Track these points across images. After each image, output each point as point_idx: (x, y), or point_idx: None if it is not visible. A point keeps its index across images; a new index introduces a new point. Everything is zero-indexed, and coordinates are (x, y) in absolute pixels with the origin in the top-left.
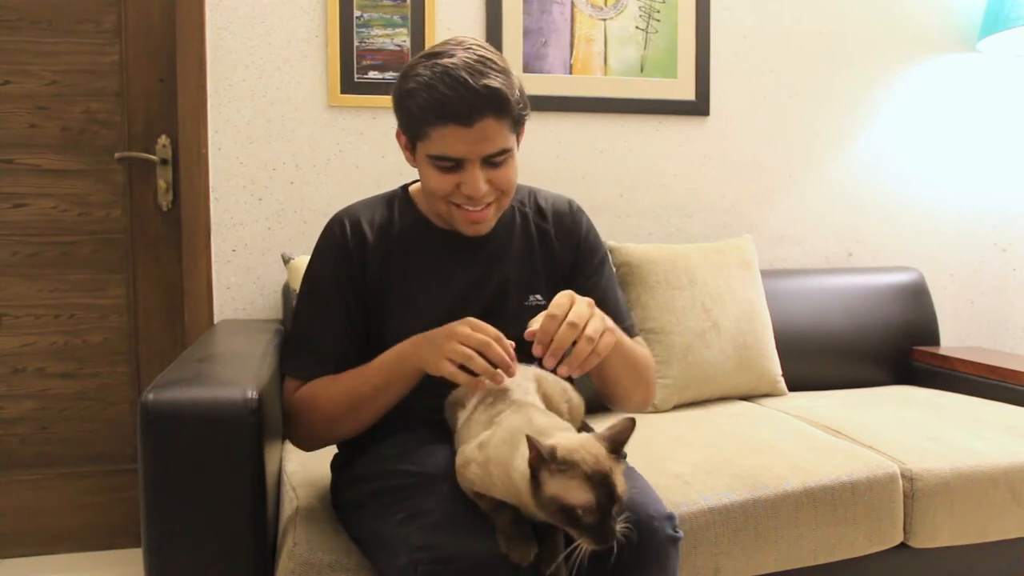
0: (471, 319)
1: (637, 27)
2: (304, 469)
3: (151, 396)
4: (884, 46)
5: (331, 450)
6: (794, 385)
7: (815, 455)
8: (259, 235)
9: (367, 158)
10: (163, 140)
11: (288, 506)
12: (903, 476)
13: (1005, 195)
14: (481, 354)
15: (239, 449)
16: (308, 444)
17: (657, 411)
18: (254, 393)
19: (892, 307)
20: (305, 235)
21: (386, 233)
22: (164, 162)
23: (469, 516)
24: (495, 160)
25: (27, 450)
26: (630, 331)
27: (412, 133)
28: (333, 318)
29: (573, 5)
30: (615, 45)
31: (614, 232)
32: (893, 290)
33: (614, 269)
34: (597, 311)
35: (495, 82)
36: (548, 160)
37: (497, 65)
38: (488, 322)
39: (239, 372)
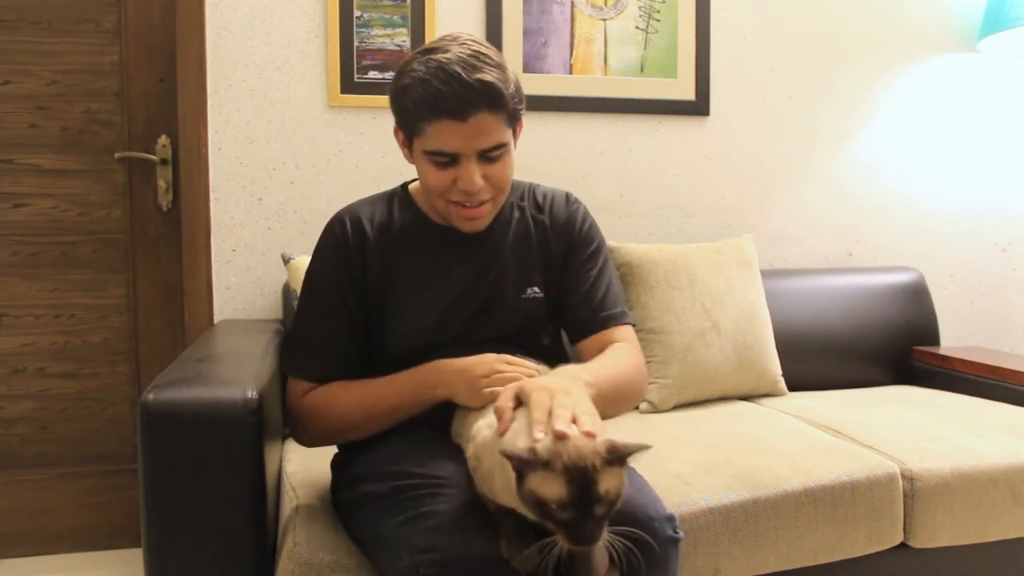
0: (506, 356)
1: (637, 27)
2: (304, 469)
3: (151, 396)
4: (884, 46)
5: (331, 450)
6: (794, 385)
7: (815, 455)
8: (259, 235)
9: (367, 158)
10: (163, 140)
11: (288, 506)
12: (903, 476)
13: (1005, 195)
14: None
15: (239, 449)
16: (313, 445)
17: (657, 411)
18: (254, 393)
19: (892, 307)
20: (305, 235)
21: (386, 231)
22: (164, 162)
23: (471, 518)
24: (491, 155)
25: (27, 450)
26: (622, 317)
27: (408, 129)
28: (334, 317)
29: (573, 5)
30: (615, 45)
31: (614, 232)
32: (893, 290)
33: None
34: (574, 390)
35: (489, 76)
36: (548, 160)
37: (491, 60)
38: (487, 316)
39: (239, 372)
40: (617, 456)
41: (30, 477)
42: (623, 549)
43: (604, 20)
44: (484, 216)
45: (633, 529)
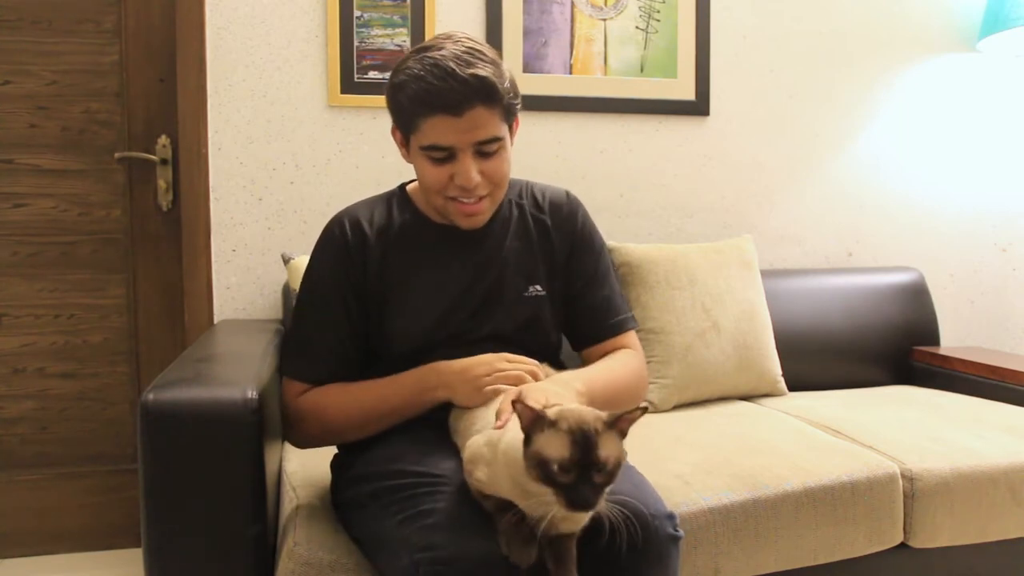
0: (504, 354)
1: (637, 27)
2: (304, 469)
3: (151, 396)
4: (884, 46)
5: (331, 450)
6: (794, 385)
7: (815, 455)
8: (259, 235)
9: (367, 158)
10: (163, 140)
11: (288, 506)
12: (903, 476)
13: (1005, 195)
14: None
15: (239, 449)
16: (306, 446)
17: (657, 411)
18: (254, 393)
19: (892, 307)
20: (305, 235)
21: (386, 232)
22: (164, 162)
23: (470, 516)
24: (487, 150)
25: (27, 450)
26: (625, 324)
27: (405, 127)
28: (333, 319)
29: (573, 5)
30: (615, 45)
31: (614, 232)
32: (893, 290)
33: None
34: (566, 396)
35: (483, 71)
36: (548, 160)
37: (486, 56)
38: (487, 315)
39: (239, 372)
40: (616, 420)
41: (30, 477)
42: (622, 518)
43: (604, 20)
44: (483, 212)
45: (633, 500)
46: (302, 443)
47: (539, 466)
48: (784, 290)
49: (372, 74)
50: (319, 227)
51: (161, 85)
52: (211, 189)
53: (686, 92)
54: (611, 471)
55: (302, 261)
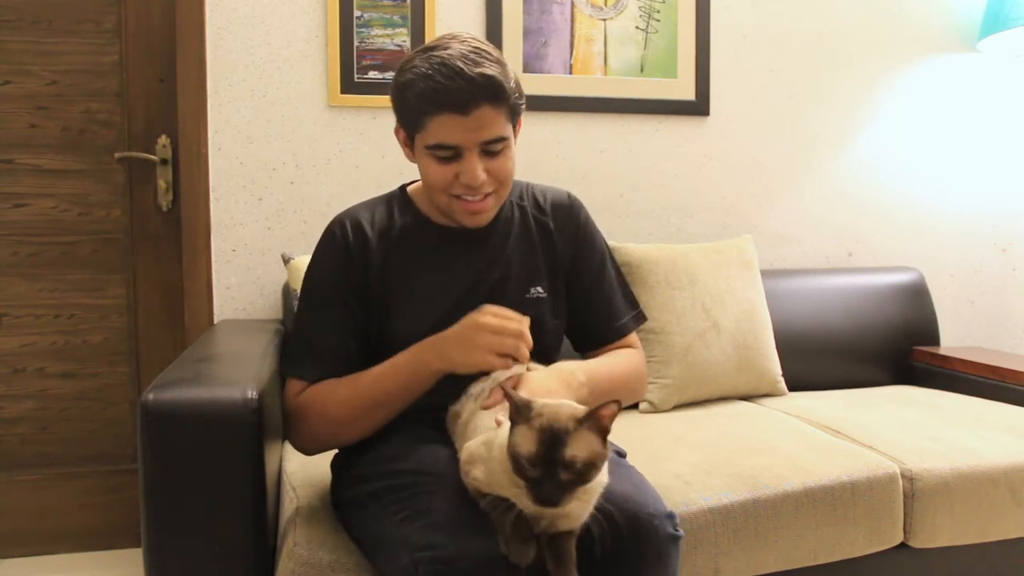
0: (488, 307)
1: (637, 27)
2: (304, 469)
3: (151, 396)
4: (884, 46)
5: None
6: (794, 385)
7: (815, 455)
8: (259, 235)
9: (367, 158)
10: (163, 140)
11: (288, 506)
12: (903, 476)
13: (1005, 195)
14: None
15: (239, 449)
16: (311, 448)
17: (657, 411)
18: (254, 393)
19: (892, 307)
20: (305, 235)
21: (387, 234)
22: (164, 162)
23: (470, 516)
24: (492, 149)
25: (27, 450)
26: (627, 327)
27: (410, 126)
28: (335, 320)
29: (573, 5)
30: (615, 45)
31: (614, 232)
32: (893, 290)
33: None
34: (561, 394)
35: (490, 70)
36: (548, 160)
37: (492, 56)
38: None
39: (239, 372)
40: (589, 417)
41: (30, 477)
42: (605, 528)
43: (604, 20)
44: (488, 210)
45: (632, 500)
46: (308, 443)
47: (512, 458)
48: (784, 290)
49: (372, 74)
50: (319, 227)
51: (161, 85)
52: (211, 189)
53: (686, 92)
54: (580, 470)
55: (302, 261)
